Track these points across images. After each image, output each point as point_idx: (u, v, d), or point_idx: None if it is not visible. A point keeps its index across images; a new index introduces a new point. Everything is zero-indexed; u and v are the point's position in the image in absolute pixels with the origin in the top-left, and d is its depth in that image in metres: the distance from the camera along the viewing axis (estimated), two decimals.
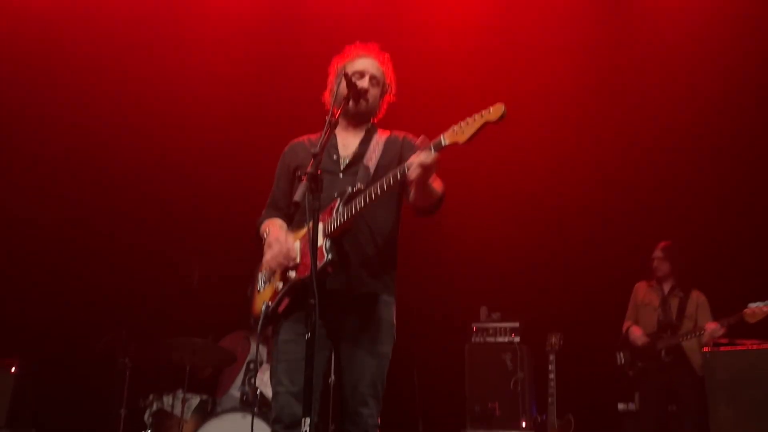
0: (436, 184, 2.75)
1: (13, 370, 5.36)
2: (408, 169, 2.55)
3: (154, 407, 5.03)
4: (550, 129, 6.10)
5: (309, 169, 2.41)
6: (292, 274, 2.71)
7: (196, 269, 5.39)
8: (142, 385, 5.12)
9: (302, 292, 2.58)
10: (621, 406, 5.32)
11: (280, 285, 2.74)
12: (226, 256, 5.97)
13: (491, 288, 6.16)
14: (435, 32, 6.09)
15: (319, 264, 2.60)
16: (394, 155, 2.91)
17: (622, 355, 5.25)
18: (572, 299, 5.87)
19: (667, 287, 5.30)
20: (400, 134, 3.00)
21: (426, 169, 2.53)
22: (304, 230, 2.76)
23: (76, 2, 6.12)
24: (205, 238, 6.18)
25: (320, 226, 2.67)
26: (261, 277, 2.91)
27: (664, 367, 5.00)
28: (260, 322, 2.71)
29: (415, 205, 2.84)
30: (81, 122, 6.19)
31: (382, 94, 3.00)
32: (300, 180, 2.41)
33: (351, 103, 2.80)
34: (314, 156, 2.44)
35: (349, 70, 2.86)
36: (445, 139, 2.52)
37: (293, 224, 2.91)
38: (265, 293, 2.85)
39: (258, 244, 2.99)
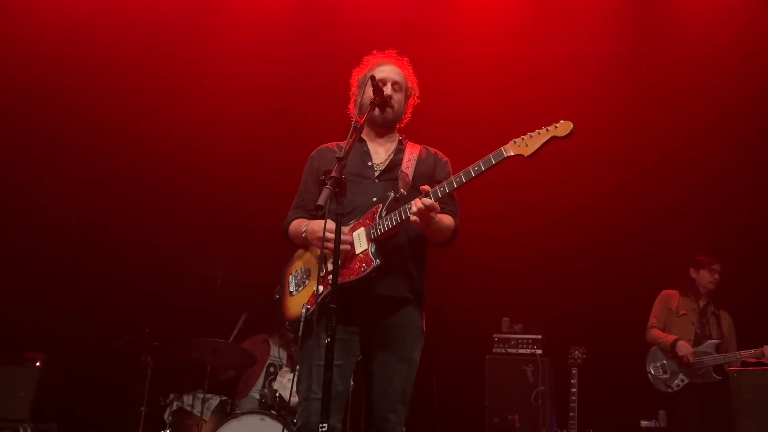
0: (446, 221, 2.78)
1: (37, 364, 5.45)
2: (409, 213, 2.59)
3: (174, 406, 5.07)
4: (578, 140, 6.02)
5: (333, 173, 2.42)
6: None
7: (220, 271, 5.43)
8: (163, 384, 5.16)
9: (344, 296, 2.56)
10: (644, 423, 5.22)
11: (321, 288, 2.70)
12: (249, 259, 6.01)
13: (514, 299, 6.10)
14: (464, 38, 6.07)
15: (367, 269, 2.64)
16: (428, 169, 2.94)
17: (660, 367, 5.08)
18: (596, 313, 5.79)
19: (702, 302, 5.22)
20: (431, 150, 3.05)
21: (424, 215, 2.55)
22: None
23: (106, 4, 6.21)
24: (230, 240, 6.23)
25: (362, 230, 2.72)
26: (292, 279, 2.91)
27: (708, 386, 4.91)
28: (301, 326, 2.70)
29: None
30: (109, 123, 6.27)
31: (406, 98, 3.03)
32: (324, 184, 2.42)
33: (377, 111, 2.85)
34: (339, 160, 2.46)
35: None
36: (507, 150, 2.53)
37: None
38: (300, 296, 2.83)
39: (287, 246, 3.00)
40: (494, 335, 5.87)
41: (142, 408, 4.91)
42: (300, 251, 2.96)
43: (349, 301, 2.61)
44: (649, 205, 6.02)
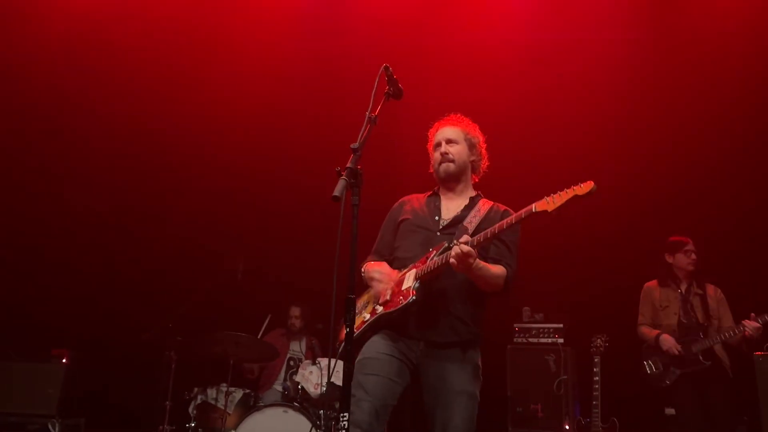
0: (493, 270, 2.94)
1: (64, 361, 5.55)
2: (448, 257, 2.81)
3: (199, 400, 5.13)
4: (597, 130, 5.98)
5: (348, 164, 2.43)
6: (380, 308, 2.99)
7: (240, 265, 5.48)
8: (187, 378, 5.22)
9: (386, 325, 2.99)
10: (668, 410, 5.17)
11: (368, 317, 3.02)
12: (270, 254, 6.05)
13: (534, 289, 6.06)
14: (482, 42, 6.04)
15: (404, 302, 2.89)
16: (491, 225, 3.00)
17: (652, 364, 5.00)
18: (618, 300, 5.73)
19: (683, 286, 5.07)
20: (501, 207, 3.20)
21: (462, 260, 2.75)
22: (400, 274, 3.04)
23: (129, 3, 6.26)
24: (251, 235, 6.27)
25: (413, 271, 2.95)
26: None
27: (700, 372, 4.79)
28: (341, 347, 2.90)
29: None
30: (133, 122, 6.35)
31: (470, 146, 3.24)
32: (339, 175, 2.43)
33: (439, 167, 3.20)
34: (353, 151, 2.49)
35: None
36: (536, 208, 2.83)
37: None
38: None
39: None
40: (515, 325, 5.85)
41: (167, 402, 4.97)
42: (369, 289, 3.20)
43: (405, 336, 2.95)
44: (671, 191, 5.94)
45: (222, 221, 6.43)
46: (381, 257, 3.24)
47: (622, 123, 5.99)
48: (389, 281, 3.01)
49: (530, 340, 5.75)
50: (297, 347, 5.85)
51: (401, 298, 2.91)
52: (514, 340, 5.79)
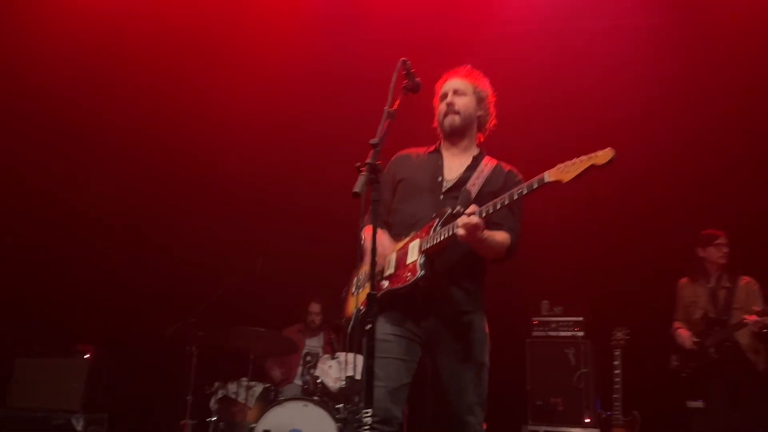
0: (498, 238, 2.83)
1: (87, 356, 5.61)
2: (454, 230, 2.67)
3: (220, 394, 5.17)
4: (618, 123, 5.92)
5: (368, 160, 2.41)
6: (386, 283, 2.85)
7: (260, 260, 5.50)
8: (208, 373, 5.26)
9: (394, 301, 2.82)
10: (691, 403, 5.13)
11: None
12: (289, 248, 6.07)
13: (553, 282, 6.04)
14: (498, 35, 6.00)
15: (412, 278, 2.77)
16: (495, 187, 2.94)
17: (675, 357, 5.02)
18: (639, 293, 5.69)
19: (713, 279, 5.02)
20: (506, 166, 3.06)
21: (471, 232, 2.63)
22: (402, 243, 2.92)
23: (134, 3, 6.30)
24: (270, 229, 6.30)
25: (417, 242, 2.84)
26: (356, 281, 3.03)
27: (717, 365, 4.75)
28: (350, 325, 2.87)
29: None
30: (146, 116, 6.38)
31: (479, 100, 3.06)
32: (359, 171, 2.41)
33: (444, 119, 3.02)
34: (373, 146, 2.45)
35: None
36: (549, 176, 2.59)
37: (393, 236, 3.01)
38: (359, 297, 2.92)
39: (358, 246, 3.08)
40: (533, 318, 5.83)
41: (189, 396, 5.01)
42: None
43: (412, 310, 2.83)
44: (694, 182, 5.86)
45: (242, 217, 6.46)
46: (378, 218, 3.08)
47: (650, 104, 5.90)
48: (391, 254, 2.89)
49: (549, 333, 5.73)
50: (314, 342, 5.88)
51: (409, 273, 2.79)
52: (533, 333, 5.78)
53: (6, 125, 6.16)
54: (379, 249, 2.71)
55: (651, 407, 5.11)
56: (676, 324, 5.11)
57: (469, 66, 3.13)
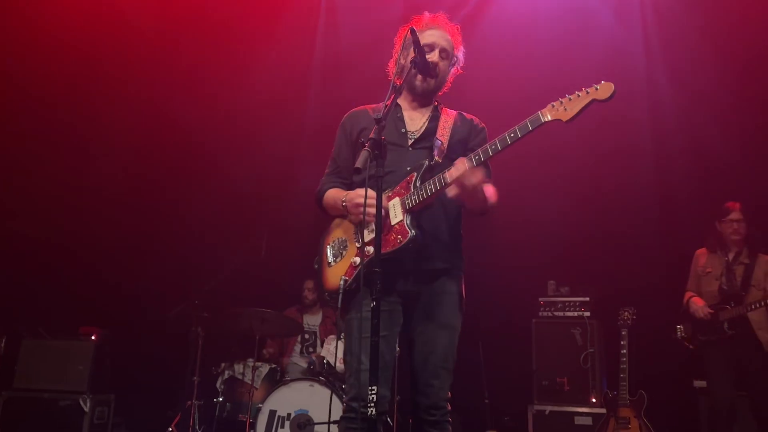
0: (488, 191, 2.69)
1: (93, 338, 5.63)
2: (446, 182, 2.52)
3: (226, 375, 5.20)
4: (619, 100, 5.85)
5: (372, 135, 2.34)
6: (370, 249, 2.63)
7: (264, 241, 5.49)
8: (215, 354, 5.27)
9: (383, 268, 2.45)
10: (697, 383, 5.12)
11: (357, 260, 2.68)
12: (293, 228, 6.05)
13: (559, 262, 6.01)
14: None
15: (403, 240, 2.58)
16: (463, 136, 2.85)
17: (682, 327, 4.95)
18: (646, 273, 5.66)
19: (732, 254, 4.94)
20: (467, 116, 2.94)
21: (464, 184, 2.50)
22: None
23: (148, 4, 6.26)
24: (274, 209, 6.28)
25: (397, 200, 2.66)
26: (330, 250, 2.87)
27: (727, 341, 4.69)
28: (340, 298, 2.67)
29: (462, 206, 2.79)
30: (147, 97, 6.38)
31: (451, 66, 2.91)
32: (363, 146, 2.34)
33: (419, 78, 2.76)
34: (377, 121, 2.37)
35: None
36: (545, 115, 2.42)
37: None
38: (339, 267, 2.80)
39: (322, 213, 2.96)
40: (540, 299, 5.81)
41: (195, 378, 5.02)
42: (337, 221, 2.91)
43: (389, 272, 2.53)
44: (701, 162, 5.80)
45: (246, 197, 6.44)
46: (341, 179, 2.89)
47: (650, 93, 5.85)
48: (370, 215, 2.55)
49: (556, 313, 5.70)
50: (312, 321, 5.88)
51: (399, 237, 2.59)
52: (540, 314, 5.75)
53: (6, 108, 6.13)
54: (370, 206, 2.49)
55: (657, 387, 5.10)
56: (689, 294, 5.05)
57: (457, 25, 2.92)
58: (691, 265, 5.13)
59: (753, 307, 4.62)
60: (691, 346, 4.88)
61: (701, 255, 5.09)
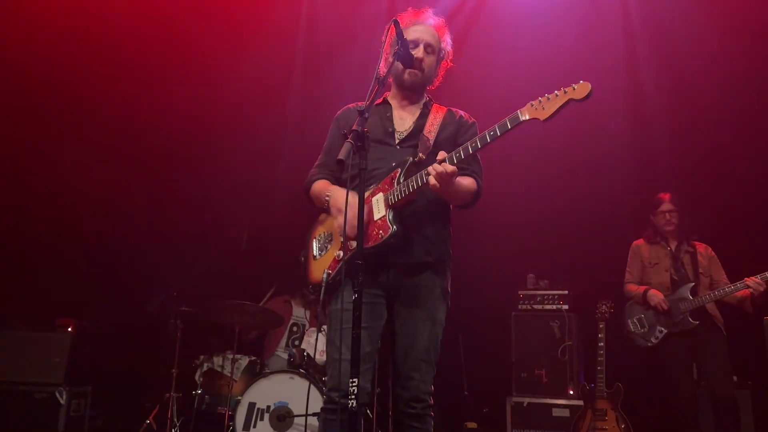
0: (466, 183, 2.74)
1: (70, 330, 5.57)
2: (427, 177, 2.57)
3: (205, 367, 5.17)
4: (600, 96, 5.90)
5: (354, 127, 2.36)
6: (353, 243, 2.65)
7: (245, 233, 5.46)
8: (193, 346, 5.24)
9: (367, 261, 2.49)
10: None
11: (341, 254, 2.73)
12: (274, 221, 6.03)
13: (538, 255, 6.06)
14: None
15: (384, 236, 2.64)
16: (451, 133, 2.88)
17: (637, 322, 4.96)
18: (623, 267, 5.70)
19: (673, 243, 5.01)
20: (457, 112, 2.97)
21: (445, 180, 2.54)
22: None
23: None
24: (254, 202, 6.24)
25: (380, 195, 2.71)
26: (315, 243, 2.91)
27: (688, 333, 4.73)
28: (322, 290, 2.72)
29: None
30: (127, 88, 6.30)
31: (438, 61, 2.94)
32: (345, 138, 2.37)
33: (406, 72, 2.82)
34: (360, 113, 2.40)
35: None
36: (524, 114, 2.48)
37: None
38: (323, 261, 2.84)
39: (309, 204, 2.98)
40: (519, 292, 5.85)
41: (174, 370, 4.99)
42: (323, 215, 2.96)
43: (371, 266, 2.61)
44: (678, 158, 5.87)
45: (226, 189, 6.39)
46: (330, 171, 2.94)
47: (627, 87, 5.89)
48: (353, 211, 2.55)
49: (535, 306, 5.75)
50: (301, 313, 5.86)
51: (380, 232, 2.65)
52: (519, 306, 5.80)
53: None
54: (351, 213, 2.50)
55: (634, 379, 5.17)
56: (633, 286, 5.07)
57: (442, 19, 2.96)
58: (630, 256, 5.17)
59: (722, 291, 4.65)
60: (653, 341, 4.86)
61: (642, 246, 5.14)
